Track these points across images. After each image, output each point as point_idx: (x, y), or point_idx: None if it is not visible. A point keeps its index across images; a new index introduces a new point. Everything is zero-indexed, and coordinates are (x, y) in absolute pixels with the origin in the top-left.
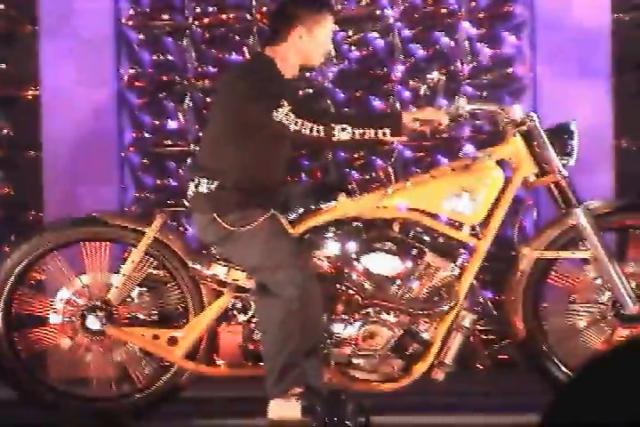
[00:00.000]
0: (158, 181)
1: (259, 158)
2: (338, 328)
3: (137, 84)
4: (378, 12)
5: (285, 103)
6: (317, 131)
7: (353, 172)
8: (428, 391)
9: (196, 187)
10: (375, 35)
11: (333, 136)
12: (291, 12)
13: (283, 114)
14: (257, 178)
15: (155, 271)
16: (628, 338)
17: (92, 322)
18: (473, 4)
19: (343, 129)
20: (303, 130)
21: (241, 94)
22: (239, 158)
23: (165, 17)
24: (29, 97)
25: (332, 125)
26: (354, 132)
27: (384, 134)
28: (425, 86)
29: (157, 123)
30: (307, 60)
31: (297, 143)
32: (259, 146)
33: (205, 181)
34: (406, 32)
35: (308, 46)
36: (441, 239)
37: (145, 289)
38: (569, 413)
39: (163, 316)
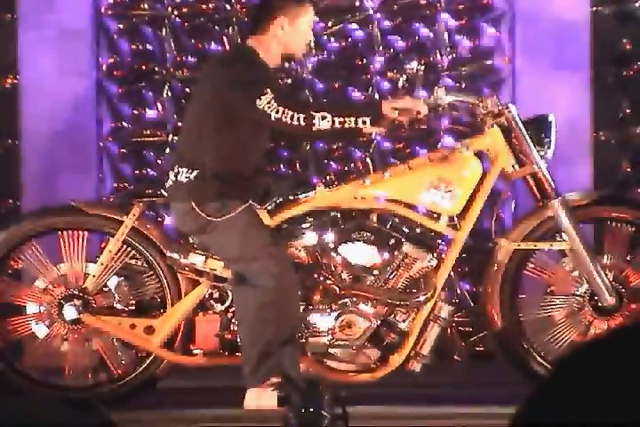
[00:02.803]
0: (137, 171)
1: (238, 148)
2: (315, 318)
3: (116, 73)
4: (357, 3)
5: (269, 91)
6: (298, 119)
7: (331, 162)
8: (404, 382)
9: (176, 176)
10: (354, 26)
11: (314, 125)
12: (272, 3)
13: (265, 102)
14: (236, 168)
15: (132, 261)
16: (605, 332)
17: (69, 311)
18: None
19: (323, 118)
20: (284, 118)
21: (223, 83)
22: (219, 148)
23: (145, 6)
24: (8, 86)
25: (313, 114)
26: (334, 121)
27: (364, 123)
28: (404, 77)
29: (136, 112)
30: (289, 51)
31: (277, 132)
32: (239, 136)
33: (185, 170)
34: (385, 23)
35: (290, 37)
36: (419, 230)
37: (122, 278)
38: (542, 413)
39: (140, 305)
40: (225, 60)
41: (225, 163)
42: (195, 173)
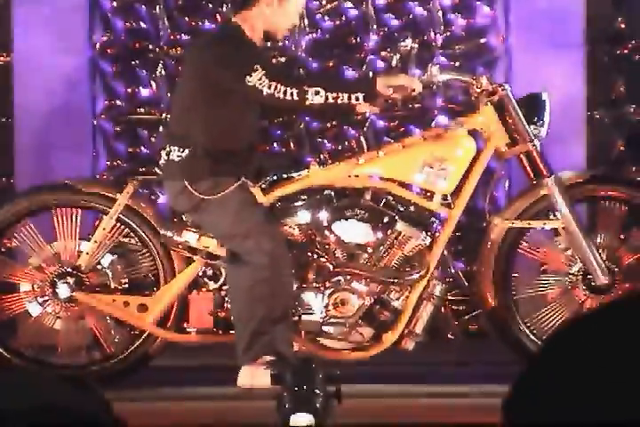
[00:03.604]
0: (130, 149)
1: (229, 126)
2: (308, 296)
3: (110, 51)
4: None
5: (259, 68)
6: (291, 94)
7: (325, 141)
8: (397, 360)
9: (168, 155)
10: (348, 4)
11: (307, 100)
12: None
13: (256, 78)
14: (228, 145)
15: (126, 239)
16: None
17: (63, 289)
18: None
19: (317, 93)
20: (277, 93)
21: (212, 61)
22: (210, 126)
23: None
24: (1, 64)
25: (306, 89)
26: (327, 96)
27: (357, 99)
28: (398, 55)
29: (130, 91)
30: (271, 29)
31: (270, 108)
32: (230, 113)
33: (177, 148)
34: (380, 2)
35: (276, 16)
36: (412, 209)
37: (116, 256)
38: (533, 391)
39: (133, 283)
40: (212, 38)
41: (216, 141)
42: (186, 151)
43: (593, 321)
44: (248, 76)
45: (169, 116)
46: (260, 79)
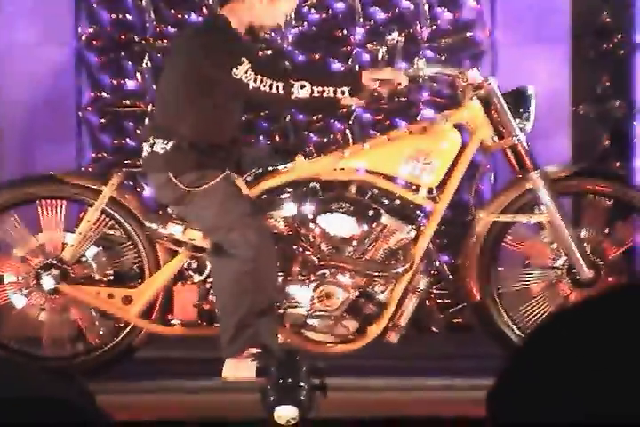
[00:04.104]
0: (116, 141)
1: (214, 118)
2: (293, 289)
3: (95, 43)
4: None
5: (245, 61)
6: (277, 87)
7: (311, 134)
8: (382, 354)
9: (152, 147)
10: None
11: (292, 93)
12: None
13: (242, 72)
14: (212, 137)
15: (111, 231)
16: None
17: (47, 281)
18: None
19: (302, 86)
20: (262, 87)
21: (198, 54)
22: (195, 118)
23: None
24: None
25: (292, 82)
26: (313, 90)
27: (343, 93)
28: (384, 48)
29: (115, 82)
30: (256, 24)
31: (255, 101)
32: (214, 106)
33: (160, 140)
34: None
35: (264, 12)
36: (398, 202)
37: (101, 248)
38: (516, 384)
39: (118, 275)
40: (199, 30)
41: (201, 133)
42: (171, 143)
43: (576, 315)
44: (234, 69)
45: (154, 108)
46: (247, 72)
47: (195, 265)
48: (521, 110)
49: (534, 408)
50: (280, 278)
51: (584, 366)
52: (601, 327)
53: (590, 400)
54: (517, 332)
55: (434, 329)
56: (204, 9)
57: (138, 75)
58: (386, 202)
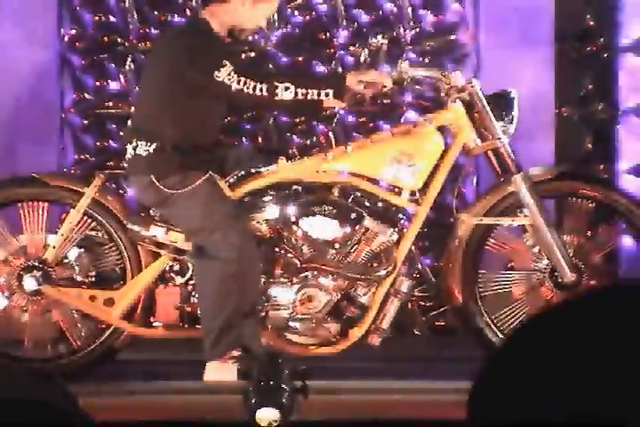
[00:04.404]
0: (98, 143)
1: (197, 120)
2: (275, 292)
3: (79, 45)
4: None
5: (227, 63)
6: (260, 89)
7: (294, 136)
8: (364, 356)
9: (135, 149)
10: None
11: (276, 95)
12: None
13: (225, 74)
14: (195, 139)
15: (93, 232)
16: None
17: (29, 282)
18: None
19: (286, 88)
20: (246, 89)
21: (180, 56)
22: (177, 120)
23: None
24: None
25: (276, 84)
26: (297, 92)
27: (327, 95)
28: (367, 51)
29: (99, 84)
30: (237, 27)
31: (239, 104)
32: (197, 108)
33: (143, 143)
34: None
35: (246, 15)
36: (380, 205)
37: (83, 250)
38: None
39: (100, 277)
40: (180, 32)
41: (184, 135)
42: (154, 145)
43: (553, 317)
44: (216, 72)
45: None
46: (229, 74)
47: (177, 267)
48: (504, 113)
49: (512, 409)
50: (262, 281)
51: (562, 367)
52: (578, 329)
53: (568, 401)
54: (500, 335)
55: (416, 332)
56: (188, 11)
57: (121, 77)
58: (368, 204)
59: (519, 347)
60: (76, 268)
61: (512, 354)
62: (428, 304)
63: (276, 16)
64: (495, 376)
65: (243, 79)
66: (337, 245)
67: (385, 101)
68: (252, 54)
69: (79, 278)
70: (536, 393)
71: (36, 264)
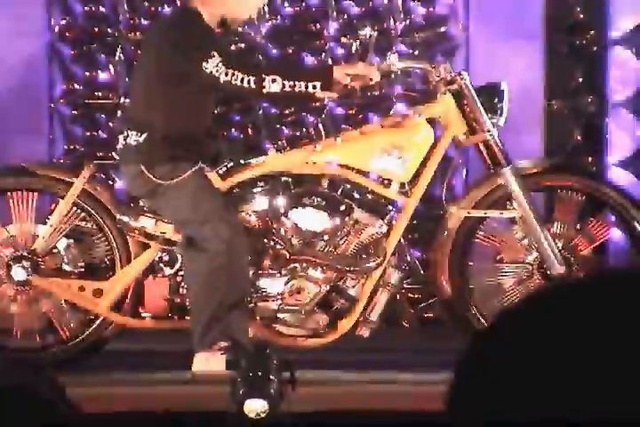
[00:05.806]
0: (88, 133)
1: (186, 110)
2: (264, 283)
3: (69, 35)
4: None
5: (215, 54)
6: (248, 81)
7: (283, 127)
8: (352, 348)
9: (125, 139)
10: None
11: (264, 87)
12: None
13: (213, 65)
14: (185, 130)
15: (82, 223)
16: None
17: (18, 272)
18: None
19: (274, 80)
20: (234, 80)
21: (169, 46)
22: (167, 111)
23: None
24: None
25: (263, 76)
26: (284, 84)
27: (314, 87)
28: (357, 43)
29: (88, 75)
30: (228, 17)
31: (227, 95)
32: (186, 98)
33: (134, 133)
34: None
35: (237, 5)
36: (370, 196)
37: (72, 240)
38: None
39: (89, 267)
40: (170, 22)
41: (174, 125)
42: (144, 136)
43: (528, 309)
44: (204, 63)
45: (127, 100)
46: (217, 66)
47: (166, 258)
48: (494, 105)
49: (489, 404)
50: (251, 272)
51: (537, 360)
52: (558, 325)
53: (547, 398)
54: None
55: (405, 323)
56: (177, 1)
57: (111, 67)
58: (358, 196)
59: (494, 344)
60: (65, 258)
61: (488, 348)
62: (416, 296)
63: (266, 7)
64: (472, 369)
65: (230, 71)
66: (326, 237)
67: (374, 93)
68: (242, 45)
69: (68, 269)
70: (511, 390)
71: (25, 254)
